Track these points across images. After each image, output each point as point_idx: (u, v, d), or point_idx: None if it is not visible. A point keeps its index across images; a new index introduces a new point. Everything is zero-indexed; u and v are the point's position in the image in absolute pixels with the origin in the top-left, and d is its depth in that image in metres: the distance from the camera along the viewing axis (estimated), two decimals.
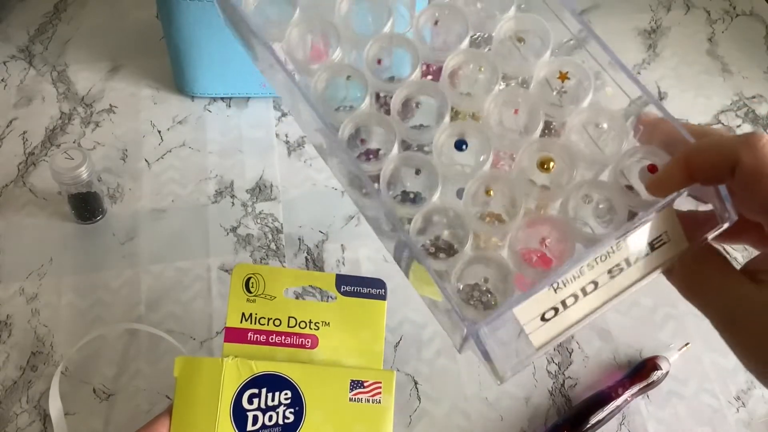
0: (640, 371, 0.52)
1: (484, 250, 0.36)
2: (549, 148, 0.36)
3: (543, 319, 0.32)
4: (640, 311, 0.56)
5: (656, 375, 0.51)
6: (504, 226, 0.35)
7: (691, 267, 0.34)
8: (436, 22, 0.39)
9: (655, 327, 0.55)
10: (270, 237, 0.59)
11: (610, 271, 0.33)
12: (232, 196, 0.61)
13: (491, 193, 0.35)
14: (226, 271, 0.57)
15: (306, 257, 0.58)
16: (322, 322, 0.43)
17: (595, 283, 0.32)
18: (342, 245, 0.59)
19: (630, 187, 0.35)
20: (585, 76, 0.37)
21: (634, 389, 0.51)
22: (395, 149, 0.36)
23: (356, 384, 0.42)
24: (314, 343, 0.43)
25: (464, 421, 0.52)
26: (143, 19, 0.72)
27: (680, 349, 0.53)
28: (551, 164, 0.35)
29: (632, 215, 0.34)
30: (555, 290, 0.32)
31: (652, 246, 0.33)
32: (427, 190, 0.36)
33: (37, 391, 0.52)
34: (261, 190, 0.62)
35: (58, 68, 0.68)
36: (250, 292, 0.42)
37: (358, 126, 0.37)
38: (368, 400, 0.43)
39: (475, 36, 0.39)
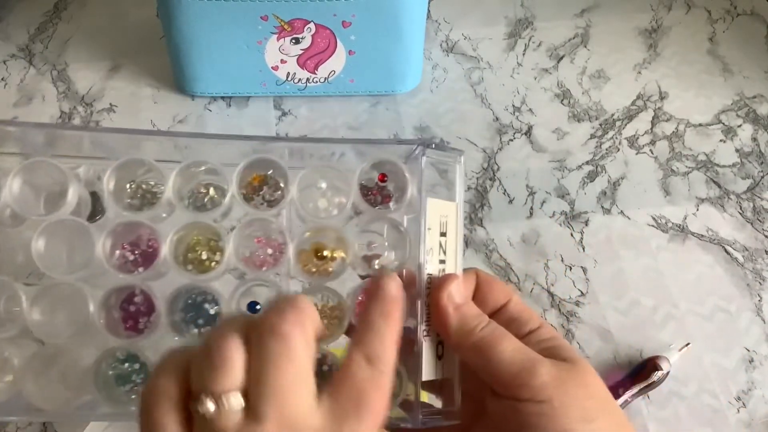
0: (641, 371, 0.52)
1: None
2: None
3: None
4: (640, 311, 0.56)
5: (657, 375, 0.51)
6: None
7: None
8: None
9: (655, 327, 0.55)
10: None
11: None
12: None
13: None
14: None
15: None
16: None
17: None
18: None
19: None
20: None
21: (635, 389, 0.51)
22: None
23: None
24: None
25: None
26: (143, 18, 0.72)
27: (681, 350, 0.53)
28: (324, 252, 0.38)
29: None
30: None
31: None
32: None
33: None
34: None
35: (58, 67, 0.68)
36: None
37: None
38: None
39: None
